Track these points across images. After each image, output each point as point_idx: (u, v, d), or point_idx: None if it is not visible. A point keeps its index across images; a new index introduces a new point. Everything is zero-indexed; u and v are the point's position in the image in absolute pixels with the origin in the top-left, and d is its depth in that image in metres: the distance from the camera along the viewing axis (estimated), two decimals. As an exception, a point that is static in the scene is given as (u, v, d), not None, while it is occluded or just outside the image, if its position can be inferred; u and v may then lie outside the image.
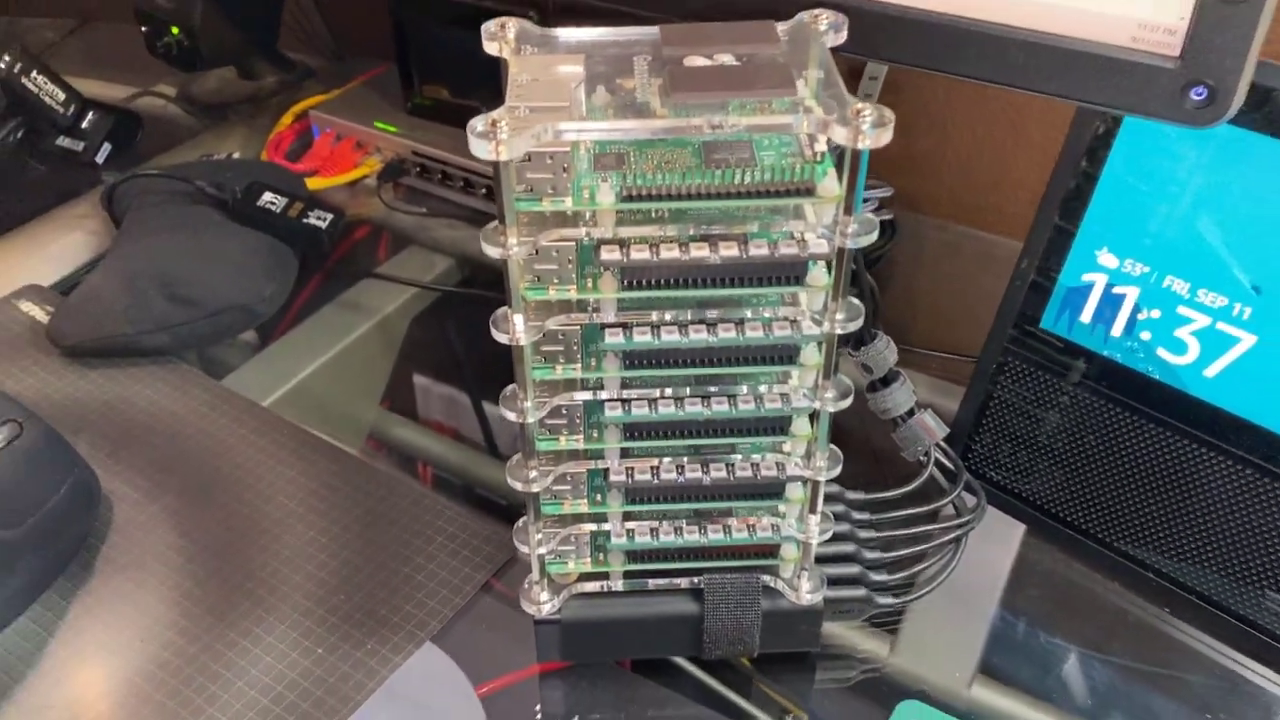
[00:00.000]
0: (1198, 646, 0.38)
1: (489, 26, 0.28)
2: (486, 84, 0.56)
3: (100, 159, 0.62)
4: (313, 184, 0.58)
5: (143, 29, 0.65)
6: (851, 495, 0.39)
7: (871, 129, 0.24)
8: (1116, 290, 0.36)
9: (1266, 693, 0.36)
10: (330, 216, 0.51)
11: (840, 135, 0.24)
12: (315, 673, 0.36)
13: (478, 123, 0.24)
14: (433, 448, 0.49)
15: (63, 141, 0.62)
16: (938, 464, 0.39)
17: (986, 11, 0.33)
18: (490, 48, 0.28)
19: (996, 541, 0.42)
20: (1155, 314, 0.36)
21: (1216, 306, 0.35)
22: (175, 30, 0.64)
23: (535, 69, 0.27)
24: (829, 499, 0.38)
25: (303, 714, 0.35)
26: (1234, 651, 0.37)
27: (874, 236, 0.26)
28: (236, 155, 0.62)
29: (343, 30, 0.73)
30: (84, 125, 0.62)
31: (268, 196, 0.50)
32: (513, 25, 0.28)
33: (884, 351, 0.38)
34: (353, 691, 0.35)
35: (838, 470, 0.31)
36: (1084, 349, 0.38)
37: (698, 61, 0.26)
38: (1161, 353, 0.36)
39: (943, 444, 0.40)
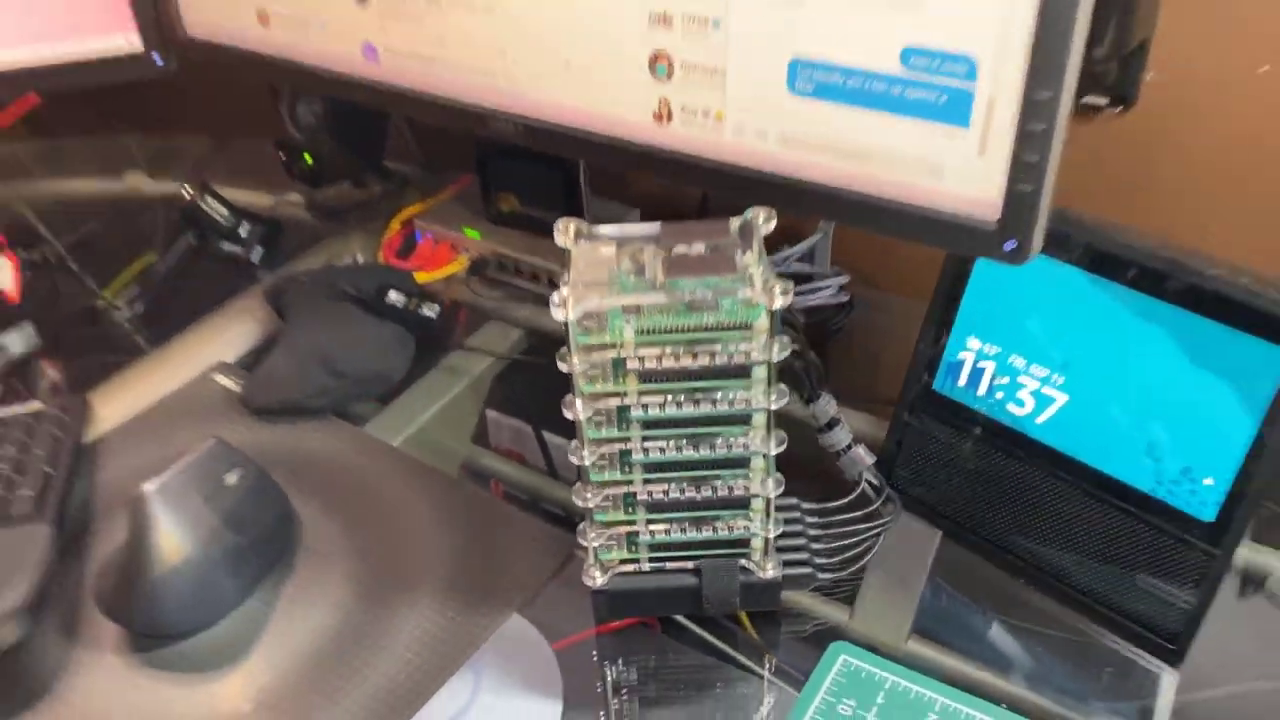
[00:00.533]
0: (1051, 609, 0.55)
1: (559, 225, 0.46)
2: (549, 199, 0.75)
3: (255, 259, 0.82)
4: (419, 277, 0.76)
5: (281, 156, 0.85)
6: (805, 505, 0.56)
7: (780, 295, 0.42)
8: (980, 364, 0.54)
9: (1096, 641, 0.53)
10: (438, 308, 0.69)
11: (762, 299, 0.42)
12: (448, 629, 0.54)
13: (555, 297, 0.42)
14: (511, 473, 0.66)
15: (225, 246, 0.82)
16: (868, 483, 0.57)
17: (884, 189, 0.50)
18: (559, 240, 0.46)
19: (922, 542, 0.58)
20: (1005, 380, 0.53)
21: (1041, 376, 0.52)
22: (308, 157, 0.83)
23: (587, 254, 0.45)
24: (790, 508, 0.56)
25: (440, 655, 0.52)
26: (1073, 612, 0.54)
27: (788, 351, 0.44)
28: (360, 257, 0.81)
29: (429, 144, 0.92)
30: (241, 233, 0.82)
31: (392, 295, 0.69)
32: (573, 225, 0.46)
33: (826, 407, 0.56)
34: (469, 645, 0.53)
35: (781, 489, 0.48)
36: (961, 404, 0.55)
37: (682, 249, 0.44)
38: (1010, 407, 0.53)
39: (871, 469, 0.57)
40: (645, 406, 0.46)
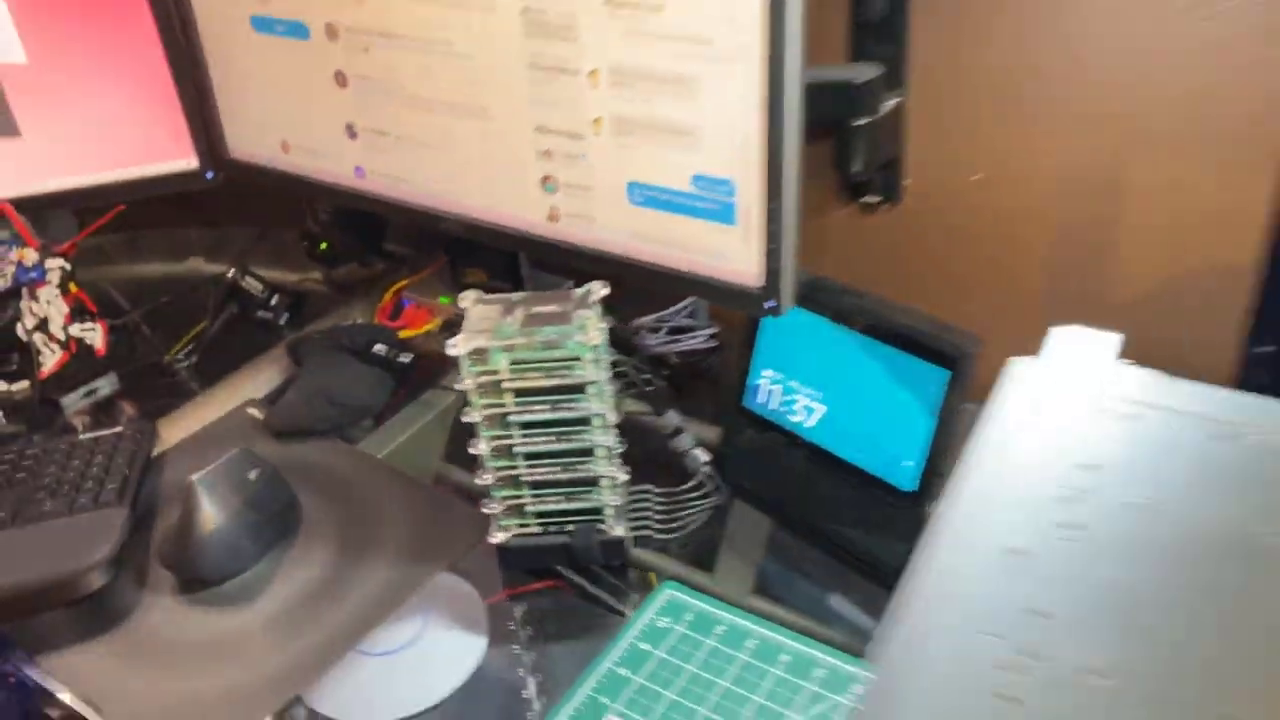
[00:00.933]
0: (839, 569, 0.76)
1: (460, 296, 0.70)
2: (501, 273, 0.99)
3: (282, 323, 1.06)
4: (404, 334, 1.00)
5: (304, 243, 1.10)
6: (655, 490, 0.78)
7: (600, 337, 0.65)
8: (770, 387, 0.76)
9: (870, 598, 0.74)
10: (411, 356, 0.93)
11: (590, 340, 0.65)
12: (399, 577, 0.76)
13: (450, 340, 0.65)
14: (467, 480, 0.89)
15: (260, 314, 1.07)
16: (705, 475, 0.79)
17: (694, 267, 0.73)
18: (461, 303, 0.70)
19: (758, 524, 0.80)
20: (787, 398, 0.75)
21: (808, 394, 0.74)
22: (324, 245, 1.09)
23: (481, 312, 0.69)
24: (643, 492, 0.78)
25: (391, 594, 0.74)
26: (855, 573, 0.75)
27: (610, 374, 0.66)
28: (360, 320, 1.06)
29: (425, 231, 1.17)
30: (272, 303, 1.07)
31: (378, 346, 0.93)
32: (471, 294, 0.70)
33: (671, 419, 0.78)
34: (410, 588, 0.74)
35: (626, 474, 0.70)
36: (761, 416, 0.77)
37: (541, 308, 0.68)
38: (791, 417, 0.75)
39: (708, 464, 0.79)
40: (520, 413, 0.69)
